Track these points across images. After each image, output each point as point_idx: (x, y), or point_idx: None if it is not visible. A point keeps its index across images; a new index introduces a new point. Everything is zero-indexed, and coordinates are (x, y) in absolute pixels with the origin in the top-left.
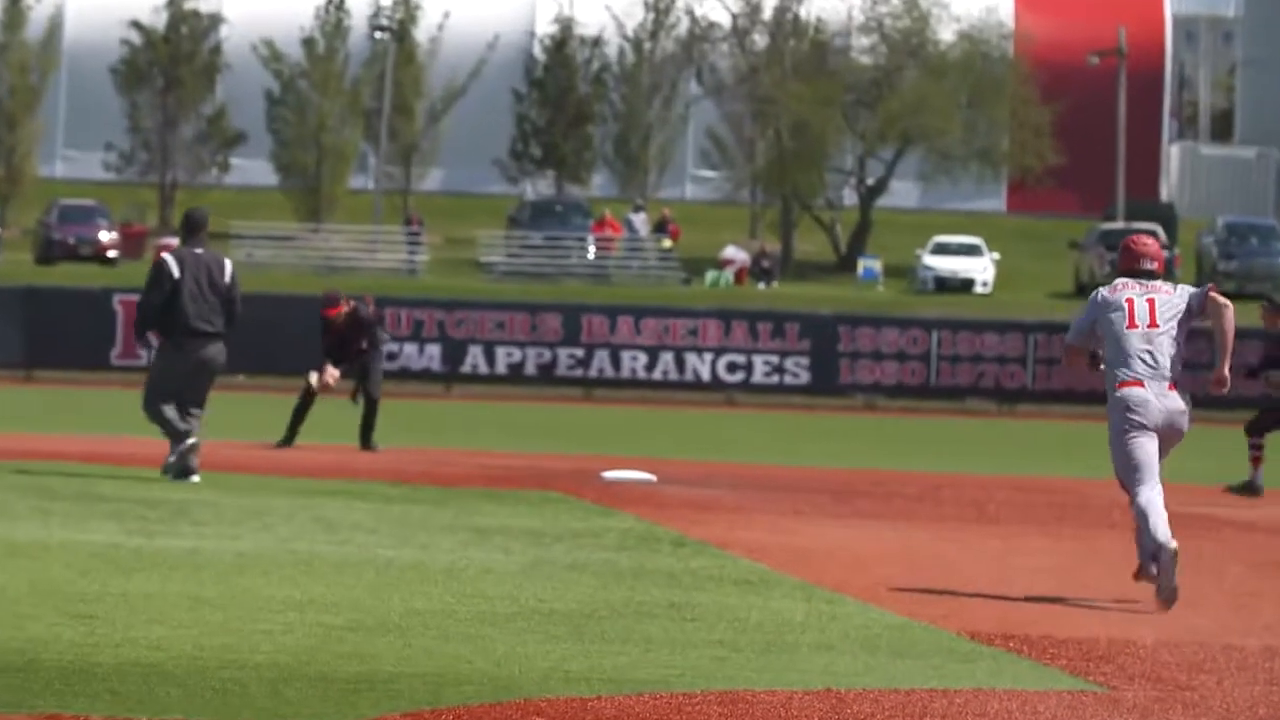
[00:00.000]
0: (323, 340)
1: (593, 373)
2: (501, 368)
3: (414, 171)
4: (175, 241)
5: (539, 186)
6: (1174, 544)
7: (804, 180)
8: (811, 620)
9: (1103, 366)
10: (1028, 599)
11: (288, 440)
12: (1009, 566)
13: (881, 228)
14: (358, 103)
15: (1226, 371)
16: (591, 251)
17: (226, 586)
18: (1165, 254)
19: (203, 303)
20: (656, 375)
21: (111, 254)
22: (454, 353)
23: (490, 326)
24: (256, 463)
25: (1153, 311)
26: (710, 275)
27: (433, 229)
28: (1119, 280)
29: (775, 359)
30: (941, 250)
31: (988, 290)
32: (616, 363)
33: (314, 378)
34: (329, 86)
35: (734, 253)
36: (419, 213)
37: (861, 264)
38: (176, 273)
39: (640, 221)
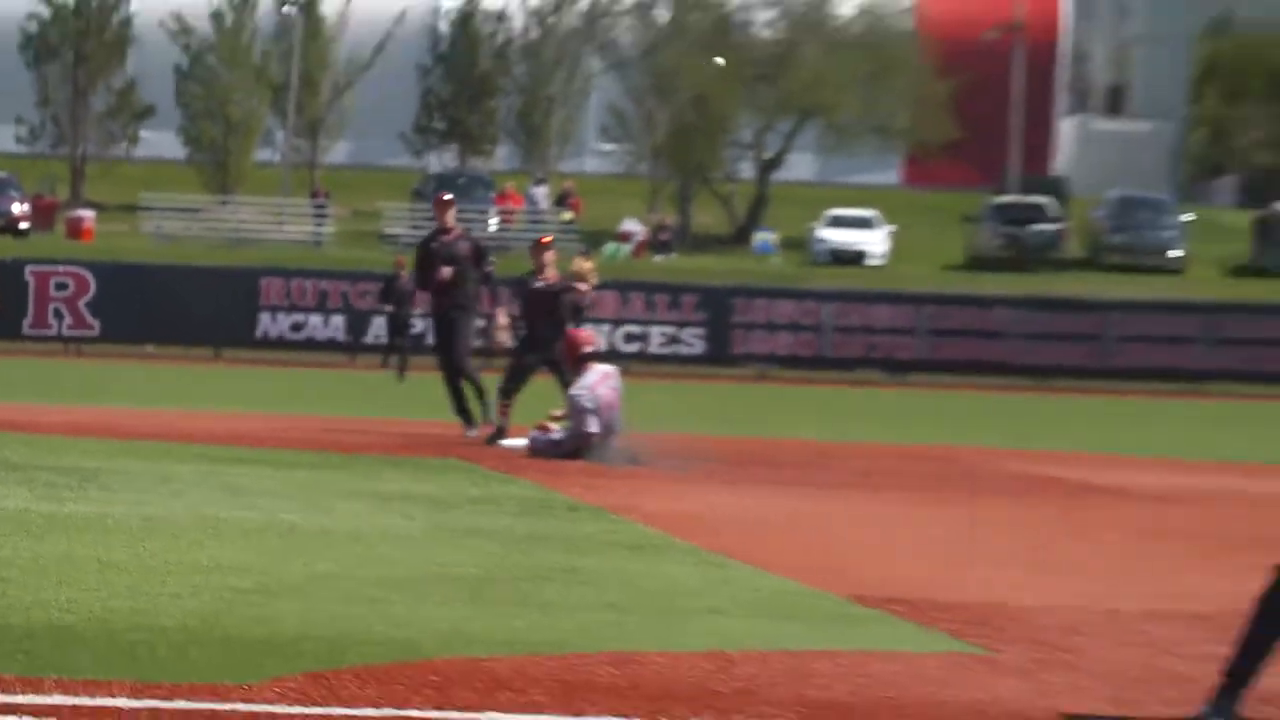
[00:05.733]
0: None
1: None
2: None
3: (320, 145)
4: (85, 214)
5: (443, 159)
6: None
7: (703, 154)
8: (702, 584)
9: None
10: (912, 563)
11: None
12: (894, 532)
13: (778, 201)
14: (265, 77)
15: None
16: (494, 224)
17: (135, 551)
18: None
19: None
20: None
21: (23, 226)
22: (358, 323)
23: None
24: (164, 430)
25: None
26: (610, 247)
27: (338, 201)
28: None
29: (671, 330)
30: (837, 223)
31: (882, 262)
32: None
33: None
34: (236, 61)
35: (634, 226)
36: (325, 186)
37: (758, 236)
38: None
39: (542, 194)
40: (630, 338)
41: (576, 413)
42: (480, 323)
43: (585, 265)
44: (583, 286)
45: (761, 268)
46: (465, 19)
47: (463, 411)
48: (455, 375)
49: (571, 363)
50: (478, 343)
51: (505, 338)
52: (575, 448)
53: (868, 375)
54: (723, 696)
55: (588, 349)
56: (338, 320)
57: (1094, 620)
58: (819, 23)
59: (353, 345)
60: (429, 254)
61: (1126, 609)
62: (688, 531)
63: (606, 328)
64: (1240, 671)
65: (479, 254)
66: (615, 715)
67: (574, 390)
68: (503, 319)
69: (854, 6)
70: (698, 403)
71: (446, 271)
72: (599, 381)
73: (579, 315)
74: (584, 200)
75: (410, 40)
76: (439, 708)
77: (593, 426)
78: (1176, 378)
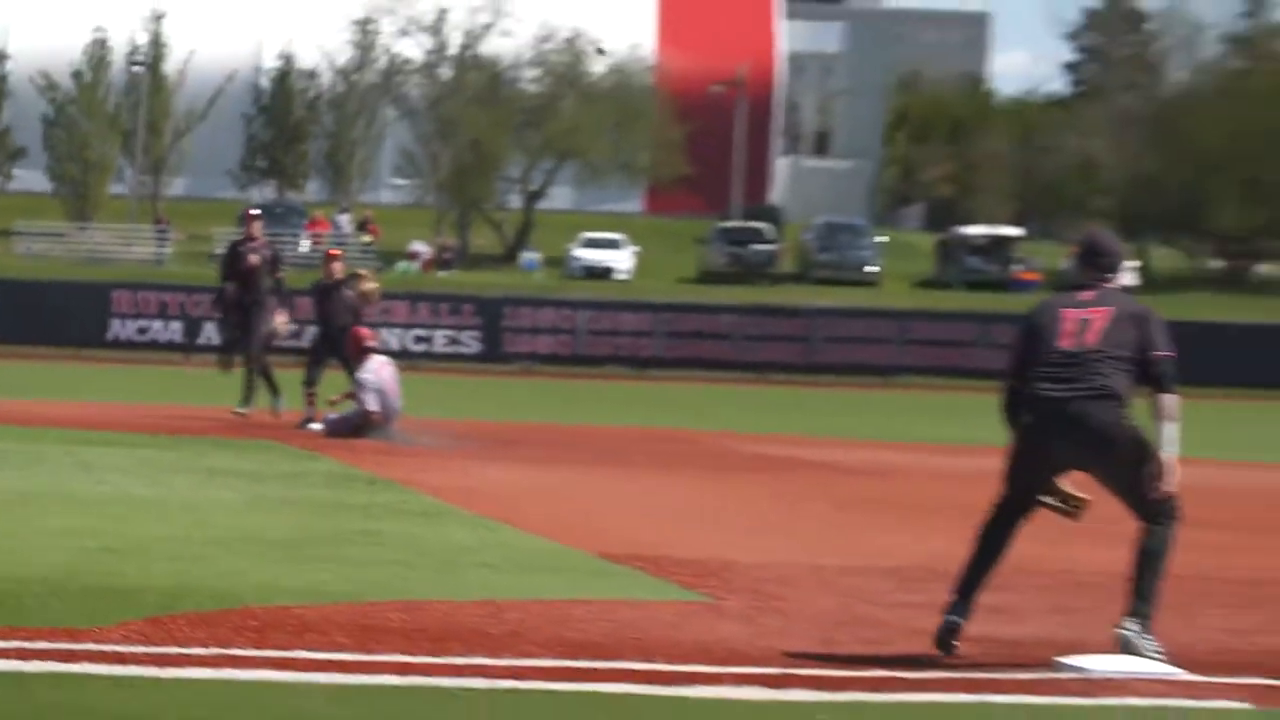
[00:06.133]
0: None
1: (304, 343)
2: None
3: (162, 180)
4: None
5: (264, 192)
6: None
7: (479, 187)
8: (476, 544)
9: None
10: (652, 527)
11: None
12: (638, 501)
13: (541, 226)
14: (117, 124)
15: None
16: (305, 245)
17: (8, 518)
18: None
19: None
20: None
21: None
22: (192, 328)
23: None
24: (31, 416)
25: None
26: (401, 265)
27: (177, 227)
28: None
29: (452, 333)
30: (590, 245)
31: (628, 277)
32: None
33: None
34: (93, 111)
35: (421, 247)
36: (166, 214)
37: (524, 256)
38: None
39: (346, 221)
40: (419, 339)
41: (361, 392)
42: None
43: (369, 286)
44: (368, 287)
45: (527, 281)
46: (283, 76)
47: (251, 391)
48: (256, 362)
49: (355, 354)
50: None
51: (284, 330)
52: (361, 423)
53: (615, 371)
54: (494, 638)
55: (369, 343)
56: (176, 325)
57: (803, 574)
58: (575, 79)
59: (188, 346)
60: (236, 255)
61: (830, 564)
62: (465, 500)
63: (399, 331)
64: (966, 589)
65: (275, 261)
66: (403, 654)
67: (360, 374)
68: (281, 316)
69: (604, 65)
70: (474, 394)
71: (254, 259)
72: (380, 368)
73: (358, 315)
74: (381, 226)
75: (237, 94)
76: (257, 647)
77: (373, 404)
78: (873, 372)
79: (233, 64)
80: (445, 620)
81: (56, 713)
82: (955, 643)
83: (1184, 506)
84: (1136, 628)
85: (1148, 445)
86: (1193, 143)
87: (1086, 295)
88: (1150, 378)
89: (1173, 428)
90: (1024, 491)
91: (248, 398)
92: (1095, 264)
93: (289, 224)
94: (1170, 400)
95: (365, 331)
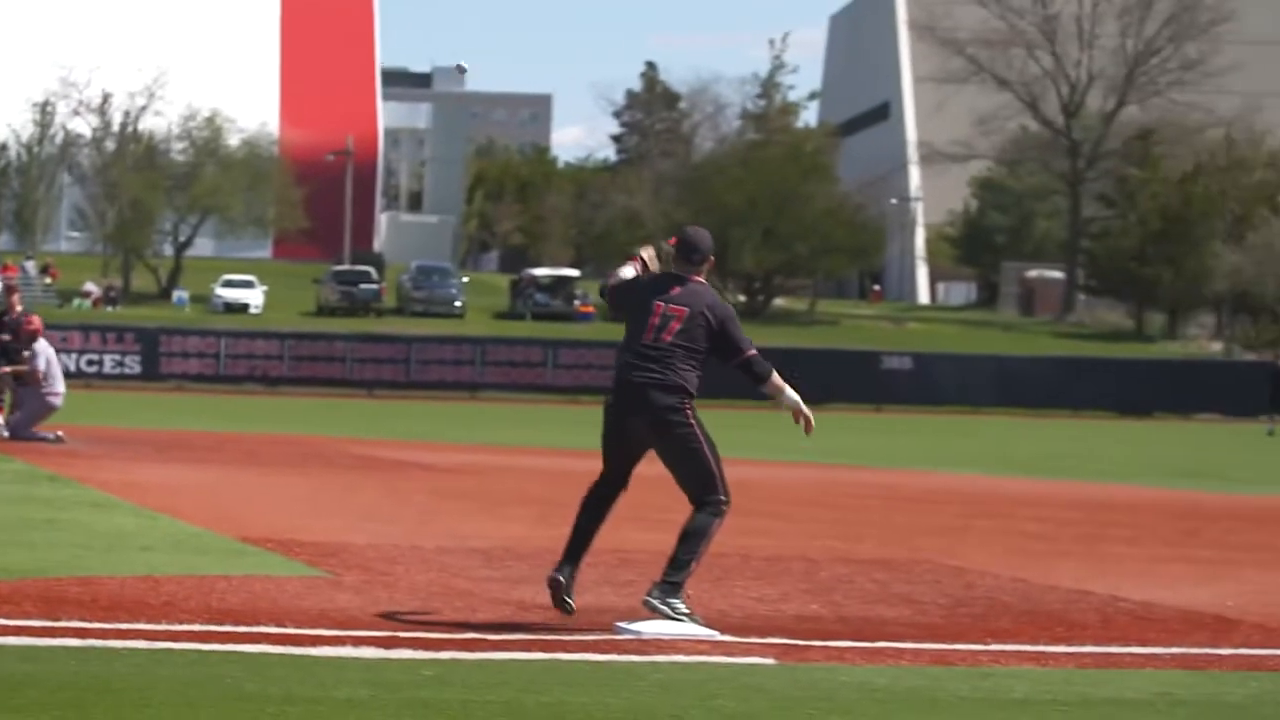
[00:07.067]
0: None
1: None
2: None
3: None
4: None
5: None
6: None
7: (138, 238)
8: (139, 530)
9: None
10: (282, 515)
11: None
12: (271, 494)
13: (190, 270)
14: None
15: None
16: None
17: None
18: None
19: None
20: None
21: None
22: None
23: None
24: None
25: None
26: (76, 302)
27: None
28: None
29: (119, 357)
30: (228, 285)
31: (259, 311)
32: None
33: None
34: None
35: (92, 287)
36: None
37: (176, 294)
38: None
39: (31, 266)
40: (90, 362)
41: (32, 360)
42: None
43: (34, 327)
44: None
45: (179, 315)
46: None
47: None
48: None
49: (28, 337)
50: None
51: None
52: (33, 399)
53: (252, 387)
54: (154, 606)
55: (39, 330)
56: None
57: (406, 554)
58: (215, 150)
59: None
60: None
61: (428, 545)
62: (130, 494)
63: (75, 355)
64: (574, 550)
65: None
66: (81, 620)
67: (33, 346)
68: None
69: (239, 139)
70: (137, 407)
71: None
72: (47, 347)
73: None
74: (59, 270)
75: None
76: None
77: (40, 365)
78: (460, 388)
79: None
80: (114, 593)
81: None
82: (568, 599)
83: (733, 502)
84: (659, 595)
85: (697, 440)
86: (718, 200)
87: (675, 291)
88: (747, 375)
89: (790, 393)
90: (617, 466)
91: None
92: (689, 259)
93: None
94: (773, 383)
95: (36, 321)
